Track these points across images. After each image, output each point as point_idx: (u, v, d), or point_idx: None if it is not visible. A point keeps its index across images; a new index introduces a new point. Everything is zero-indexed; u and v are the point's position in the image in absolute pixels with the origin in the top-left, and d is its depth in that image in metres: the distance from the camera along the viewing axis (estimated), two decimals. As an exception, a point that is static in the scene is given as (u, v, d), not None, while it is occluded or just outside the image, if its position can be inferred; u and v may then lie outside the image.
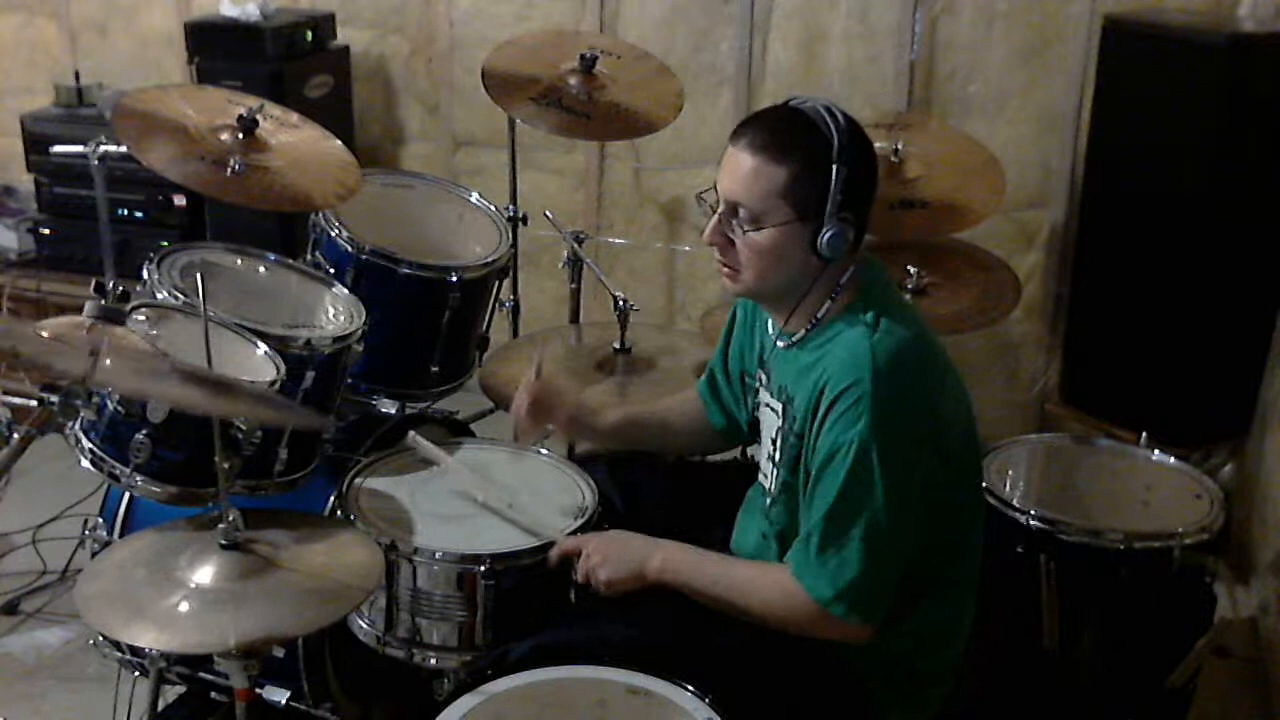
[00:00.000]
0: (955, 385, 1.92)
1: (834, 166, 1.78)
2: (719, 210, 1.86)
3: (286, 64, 3.72)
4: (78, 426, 2.10)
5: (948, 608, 1.97)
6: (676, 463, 2.43)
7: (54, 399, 2.02)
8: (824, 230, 1.80)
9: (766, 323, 2.03)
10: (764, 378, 2.04)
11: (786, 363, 1.95)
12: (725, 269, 1.90)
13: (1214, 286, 3.01)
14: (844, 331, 1.85)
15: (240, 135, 2.56)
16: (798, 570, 1.84)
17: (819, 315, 1.89)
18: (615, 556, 1.96)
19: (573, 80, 3.07)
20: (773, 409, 1.98)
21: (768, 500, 2.01)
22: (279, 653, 2.18)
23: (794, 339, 1.92)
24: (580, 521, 2.12)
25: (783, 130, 1.82)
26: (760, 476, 2.07)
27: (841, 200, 1.79)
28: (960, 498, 1.95)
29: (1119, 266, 3.19)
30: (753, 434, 2.14)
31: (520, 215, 3.18)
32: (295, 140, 2.66)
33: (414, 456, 2.34)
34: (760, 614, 1.88)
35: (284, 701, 2.33)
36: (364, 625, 2.15)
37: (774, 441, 1.98)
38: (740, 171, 1.82)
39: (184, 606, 1.82)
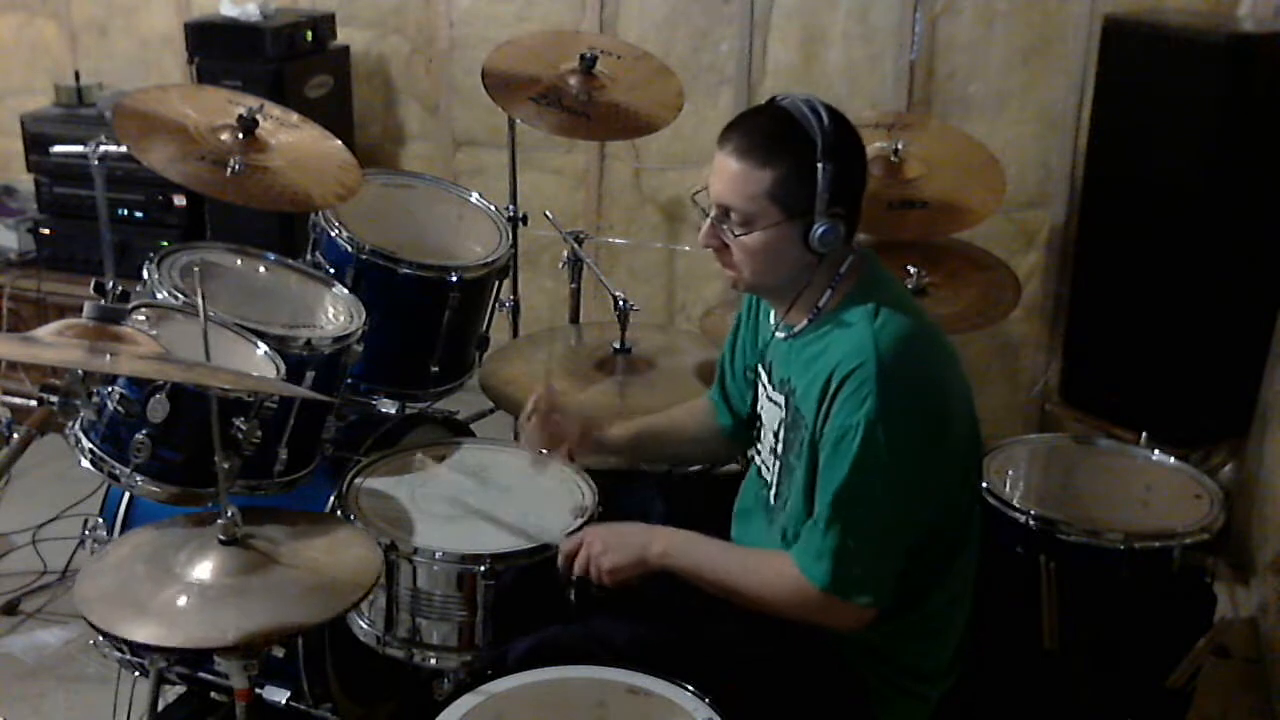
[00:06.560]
0: (959, 377, 1.93)
1: (819, 165, 1.80)
2: (711, 214, 1.89)
3: (286, 64, 3.72)
4: (78, 426, 2.11)
5: (946, 604, 1.97)
6: (668, 476, 2.44)
7: (54, 399, 2.03)
8: (815, 227, 1.82)
9: (768, 316, 2.04)
10: (765, 373, 2.05)
11: (788, 355, 1.96)
12: (725, 268, 1.93)
13: (1214, 286, 3.01)
14: (846, 320, 1.87)
15: (240, 135, 2.56)
16: (801, 555, 1.85)
17: (820, 305, 1.91)
18: (616, 544, 1.97)
19: (573, 80, 3.07)
20: (775, 402, 1.99)
21: (769, 495, 2.01)
22: (279, 652, 2.19)
23: (795, 330, 1.94)
24: (581, 521, 2.12)
25: (766, 133, 1.84)
26: (760, 472, 2.07)
27: (830, 197, 1.81)
28: (960, 491, 1.96)
29: (1119, 266, 3.19)
30: (753, 428, 2.14)
31: (520, 215, 3.18)
32: (295, 140, 2.66)
33: (414, 457, 2.34)
34: (763, 600, 1.89)
35: (284, 701, 2.33)
36: (364, 625, 2.15)
37: (775, 435, 1.99)
38: (727, 176, 1.85)
39: (183, 602, 1.82)
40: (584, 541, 2.00)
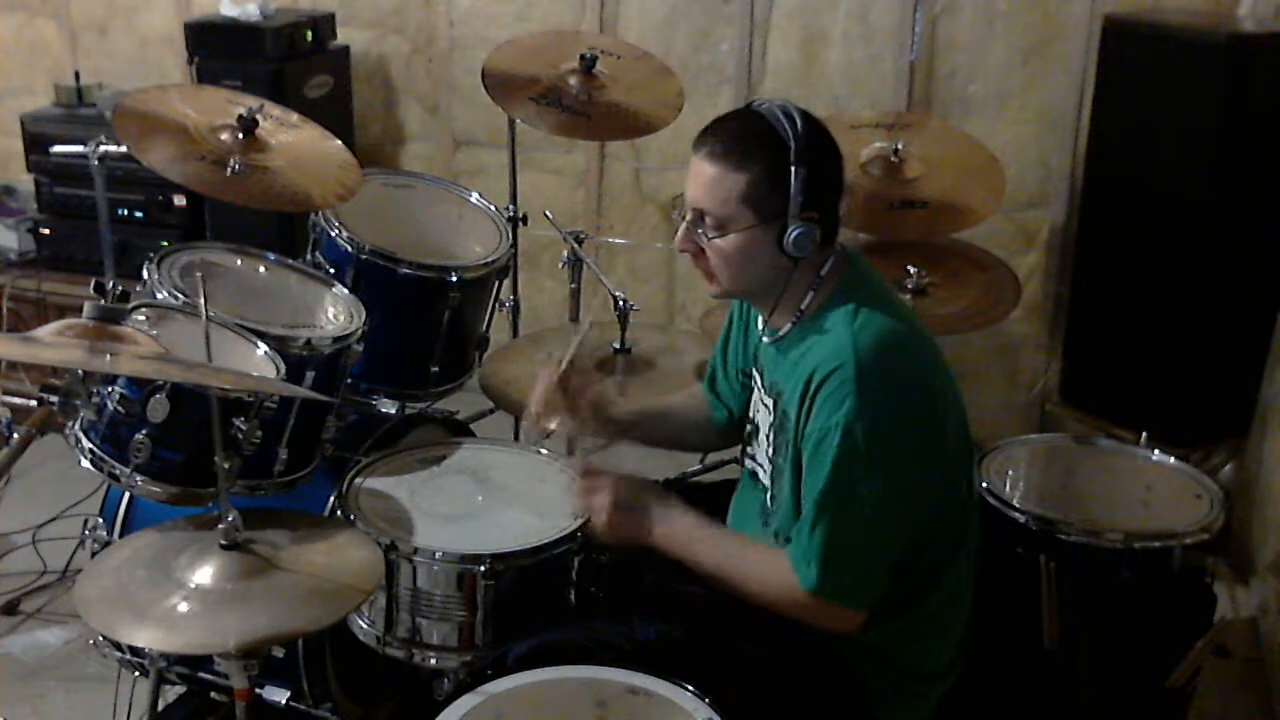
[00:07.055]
0: (943, 375, 1.93)
1: (792, 168, 1.80)
2: (687, 218, 1.89)
3: (286, 64, 3.73)
4: (78, 426, 2.10)
5: (946, 604, 1.98)
6: (666, 484, 2.43)
7: (54, 399, 2.03)
8: (789, 230, 1.82)
9: (757, 321, 2.05)
10: (759, 376, 2.05)
11: (775, 359, 1.97)
12: (702, 273, 1.93)
13: (1214, 286, 3.02)
14: (827, 322, 1.87)
15: (240, 135, 2.56)
16: (793, 557, 1.85)
17: (803, 308, 1.91)
18: (624, 506, 1.97)
19: (573, 80, 3.06)
20: (766, 406, 2.00)
21: (766, 499, 2.01)
22: (279, 653, 2.19)
23: (780, 334, 1.94)
24: (582, 520, 2.12)
25: (740, 136, 1.84)
26: (756, 475, 2.07)
27: (804, 200, 1.81)
28: (955, 490, 1.96)
29: (1119, 266, 3.19)
30: (744, 431, 2.15)
31: (520, 215, 3.18)
32: (295, 140, 2.66)
33: (414, 457, 2.34)
34: (756, 595, 1.89)
35: (284, 701, 2.33)
36: (364, 625, 2.15)
37: (768, 438, 1.99)
38: (701, 180, 1.85)
39: (184, 607, 1.82)
40: (605, 487, 1.98)
